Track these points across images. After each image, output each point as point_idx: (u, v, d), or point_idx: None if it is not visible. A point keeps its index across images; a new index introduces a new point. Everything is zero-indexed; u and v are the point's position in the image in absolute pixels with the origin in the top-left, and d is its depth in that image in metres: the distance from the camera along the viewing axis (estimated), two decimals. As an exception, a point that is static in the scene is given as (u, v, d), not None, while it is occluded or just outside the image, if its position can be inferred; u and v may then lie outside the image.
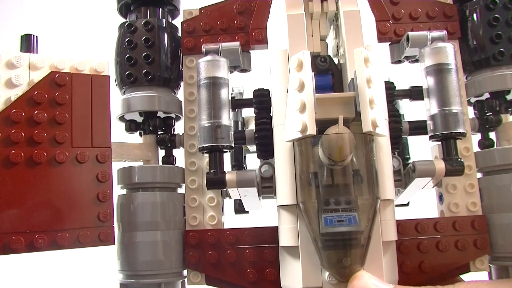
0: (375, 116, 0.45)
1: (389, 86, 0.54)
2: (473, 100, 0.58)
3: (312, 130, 0.44)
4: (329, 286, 0.47)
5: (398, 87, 0.56)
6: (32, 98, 0.50)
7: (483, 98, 0.57)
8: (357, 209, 0.45)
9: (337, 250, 0.45)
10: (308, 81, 0.45)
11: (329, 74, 0.52)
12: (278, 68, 0.51)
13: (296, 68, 0.47)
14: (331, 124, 0.46)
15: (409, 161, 0.64)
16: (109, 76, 0.55)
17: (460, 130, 0.50)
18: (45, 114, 0.51)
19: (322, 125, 0.46)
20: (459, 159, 0.51)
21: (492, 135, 0.58)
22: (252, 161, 0.69)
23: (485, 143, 0.57)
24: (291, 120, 0.46)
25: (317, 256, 0.46)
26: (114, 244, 0.52)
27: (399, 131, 0.53)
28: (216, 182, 0.51)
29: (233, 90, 0.71)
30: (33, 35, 0.54)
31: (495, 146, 0.57)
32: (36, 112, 0.50)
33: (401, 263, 0.51)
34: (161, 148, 0.60)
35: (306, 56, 0.46)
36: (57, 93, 0.51)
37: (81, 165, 0.51)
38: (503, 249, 0.51)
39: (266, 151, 0.53)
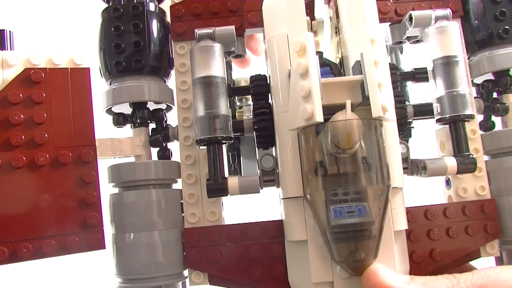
0: (385, 100, 0.43)
1: (393, 68, 0.51)
2: (476, 80, 0.56)
3: (319, 117, 0.42)
4: (340, 280, 0.45)
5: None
6: (6, 99, 0.47)
7: (489, 78, 0.55)
8: (366, 199, 0.43)
9: (348, 242, 0.43)
10: (312, 65, 0.43)
11: (326, 66, 0.50)
12: (277, 53, 0.48)
13: (298, 53, 0.44)
14: (337, 110, 0.44)
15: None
16: (89, 68, 0.51)
17: (469, 112, 0.48)
18: (22, 115, 0.47)
19: (328, 111, 0.43)
20: (470, 155, 0.49)
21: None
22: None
23: (486, 125, 0.56)
24: (296, 107, 0.44)
25: (327, 249, 0.44)
26: (104, 248, 0.49)
27: (405, 115, 0.51)
28: (218, 190, 0.48)
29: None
30: (7, 30, 0.50)
31: (498, 128, 0.56)
32: (11, 113, 0.47)
33: (412, 252, 0.49)
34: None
35: (310, 39, 0.43)
36: (33, 91, 0.48)
37: (64, 167, 0.48)
38: (514, 232, 0.50)
39: (266, 141, 0.50)
